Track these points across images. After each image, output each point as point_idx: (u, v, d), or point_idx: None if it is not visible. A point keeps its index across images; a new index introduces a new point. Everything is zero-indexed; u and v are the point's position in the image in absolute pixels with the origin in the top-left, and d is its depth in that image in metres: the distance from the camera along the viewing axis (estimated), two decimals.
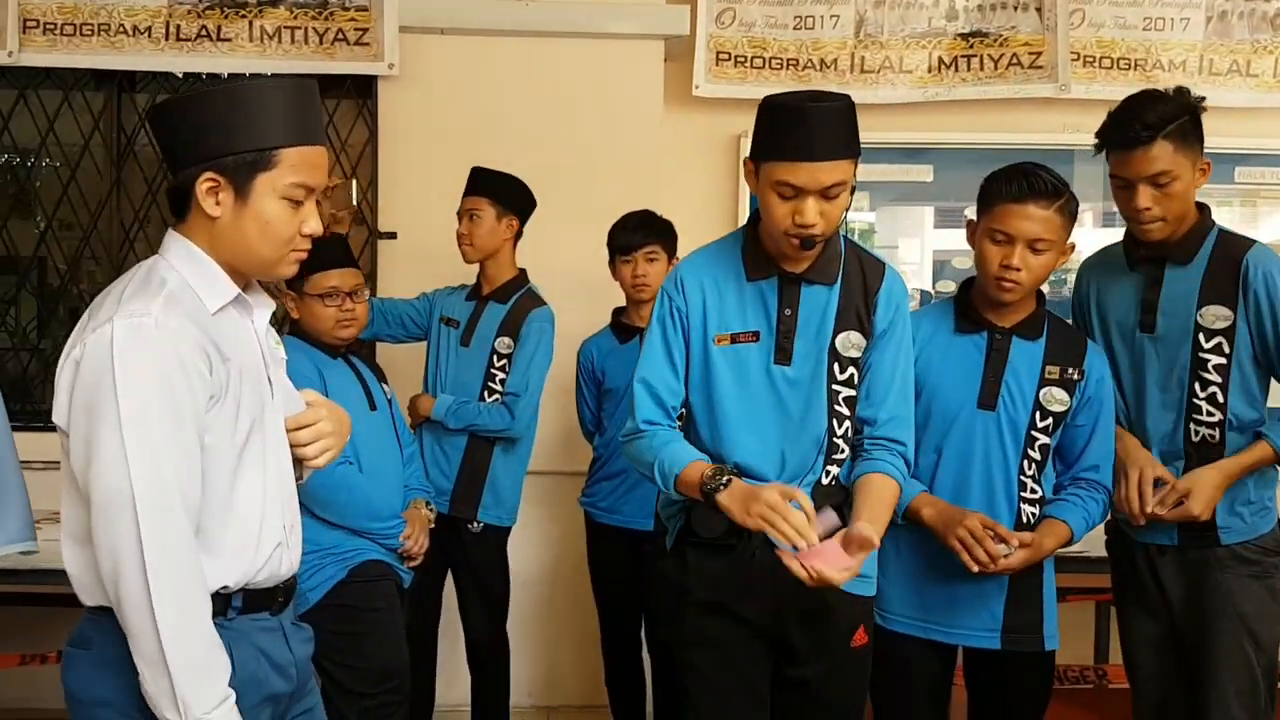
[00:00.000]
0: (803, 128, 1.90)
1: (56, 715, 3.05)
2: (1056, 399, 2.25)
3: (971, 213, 2.31)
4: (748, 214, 4.14)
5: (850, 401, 2.07)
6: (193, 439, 1.51)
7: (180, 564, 1.48)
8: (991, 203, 2.21)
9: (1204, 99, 2.29)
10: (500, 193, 3.19)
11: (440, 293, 3.33)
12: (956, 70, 4.01)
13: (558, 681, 4.04)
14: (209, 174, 1.57)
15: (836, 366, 2.05)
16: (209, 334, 1.56)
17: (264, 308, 1.72)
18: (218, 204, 1.58)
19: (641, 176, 3.88)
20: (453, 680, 3.58)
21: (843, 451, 2.07)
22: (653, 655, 3.35)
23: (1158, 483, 2.30)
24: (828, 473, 2.06)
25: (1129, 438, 2.36)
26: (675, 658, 2.20)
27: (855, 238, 2.34)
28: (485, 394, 3.17)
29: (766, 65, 4.04)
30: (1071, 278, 3.76)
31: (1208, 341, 2.29)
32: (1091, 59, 4.03)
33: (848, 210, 1.99)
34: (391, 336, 3.36)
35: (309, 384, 2.58)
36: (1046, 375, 2.25)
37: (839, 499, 2.04)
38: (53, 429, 1.56)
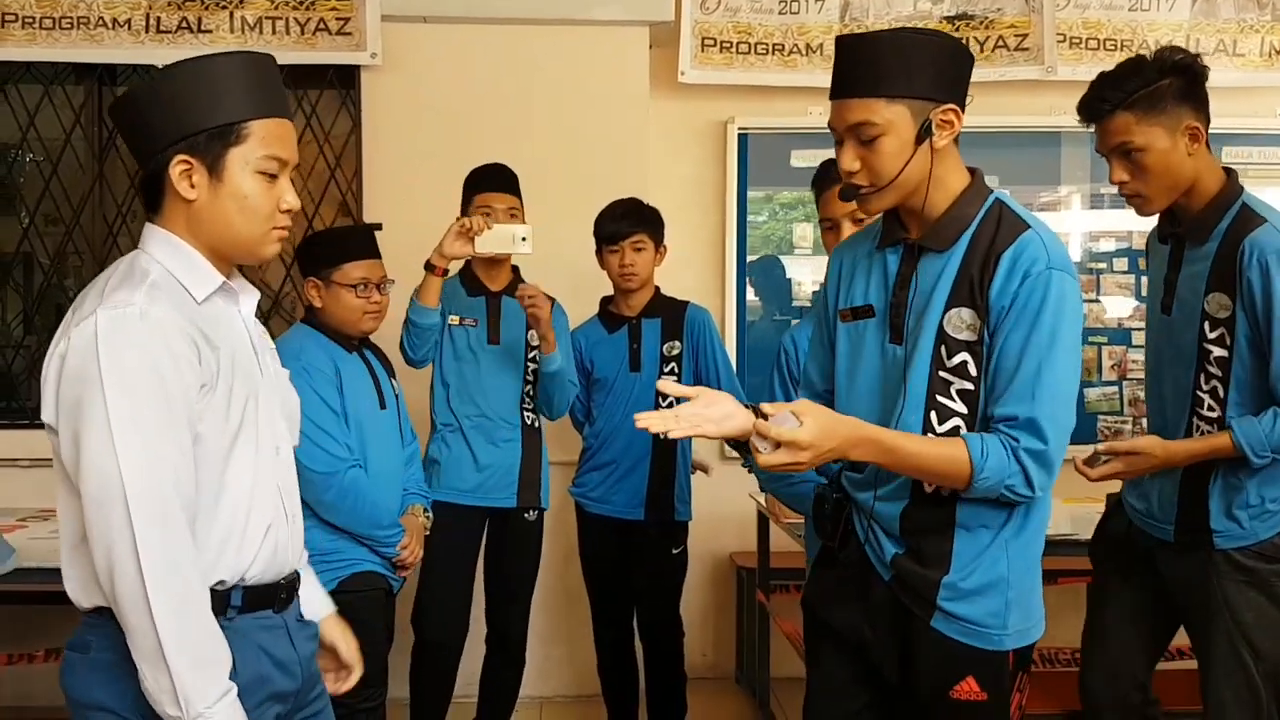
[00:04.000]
0: (836, 64, 1.75)
1: (47, 713, 3.04)
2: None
3: None
4: (735, 201, 4.18)
5: (966, 396, 1.72)
6: (183, 428, 1.49)
7: (175, 558, 1.45)
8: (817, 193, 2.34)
9: (1198, 57, 2.17)
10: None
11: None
12: None
13: (551, 672, 4.04)
14: (180, 156, 1.55)
15: (944, 349, 1.72)
16: (196, 323, 1.54)
17: (250, 296, 1.70)
18: (193, 186, 1.56)
19: (628, 164, 3.87)
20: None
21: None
22: (644, 643, 3.35)
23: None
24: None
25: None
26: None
27: None
28: (527, 383, 3.16)
29: (752, 50, 4.02)
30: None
31: (1212, 331, 2.17)
32: (1078, 40, 4.03)
33: (909, 162, 1.70)
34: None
35: (324, 378, 2.60)
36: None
37: (943, 516, 1.74)
38: (38, 426, 1.54)
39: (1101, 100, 2.17)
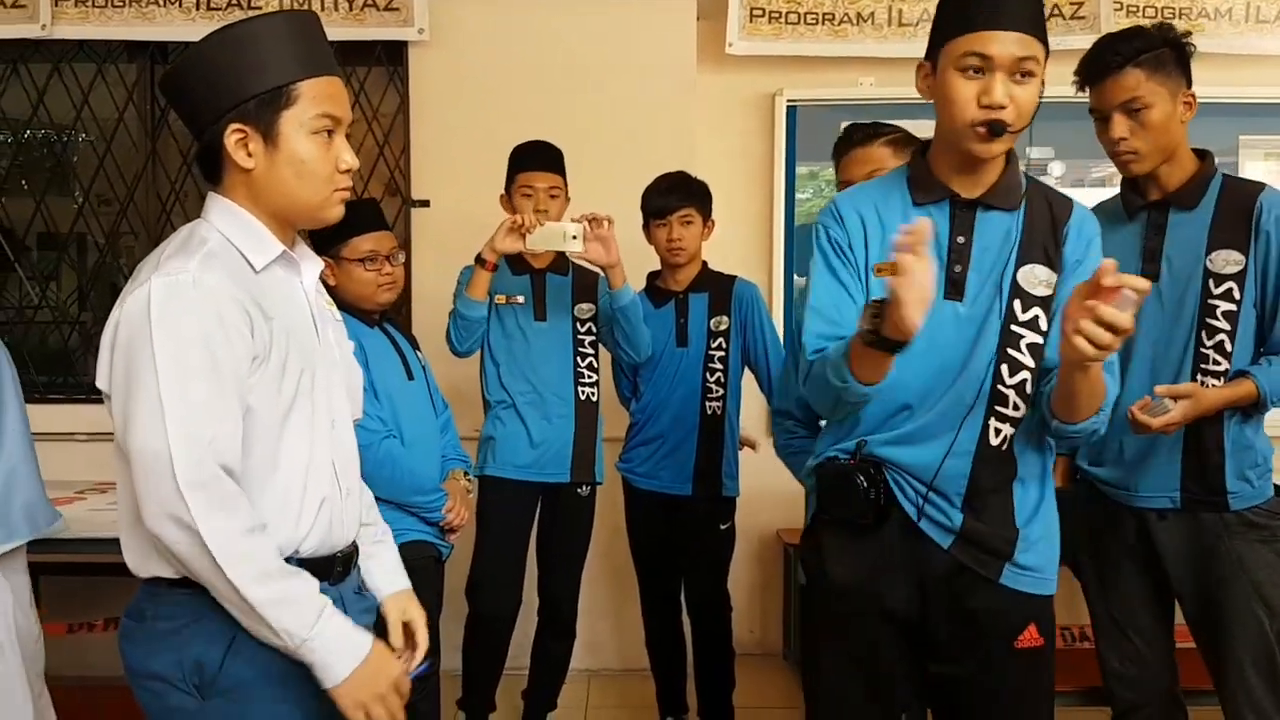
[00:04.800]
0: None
1: (105, 682, 3.10)
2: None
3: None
4: (784, 175, 4.14)
5: (1035, 350, 1.77)
6: (233, 397, 1.48)
7: (233, 523, 1.45)
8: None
9: (1189, 34, 2.26)
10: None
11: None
12: None
13: (599, 645, 4.06)
14: (234, 125, 1.54)
15: (1018, 304, 1.77)
16: (251, 292, 1.53)
17: (312, 265, 1.69)
18: (250, 154, 1.55)
19: (675, 138, 3.85)
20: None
21: (1016, 408, 1.77)
22: (692, 617, 3.35)
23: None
24: (996, 431, 1.78)
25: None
26: (804, 647, 2.04)
27: None
28: (578, 360, 3.16)
29: (801, 20, 3.97)
30: None
31: (1217, 287, 2.23)
32: (1135, 8, 3.93)
33: (1035, 114, 1.76)
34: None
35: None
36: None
37: (1008, 472, 1.80)
38: (95, 401, 1.56)
39: (1115, 53, 2.21)
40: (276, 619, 1.47)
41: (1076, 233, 1.82)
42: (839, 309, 1.82)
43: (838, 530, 1.87)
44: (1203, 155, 2.31)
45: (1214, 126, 3.98)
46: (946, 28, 1.76)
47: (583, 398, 3.17)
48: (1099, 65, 2.24)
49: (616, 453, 3.40)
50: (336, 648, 1.51)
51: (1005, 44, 1.70)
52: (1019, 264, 1.79)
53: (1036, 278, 1.79)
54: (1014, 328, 1.77)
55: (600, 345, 3.23)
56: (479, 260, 2.99)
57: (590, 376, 3.19)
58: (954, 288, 1.79)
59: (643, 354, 3.19)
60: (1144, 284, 1.49)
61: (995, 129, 1.72)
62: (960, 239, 1.81)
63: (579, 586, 3.30)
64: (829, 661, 1.92)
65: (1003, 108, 1.71)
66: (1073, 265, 1.80)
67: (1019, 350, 1.77)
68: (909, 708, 1.96)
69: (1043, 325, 1.78)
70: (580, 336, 3.18)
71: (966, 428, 1.78)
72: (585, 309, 3.19)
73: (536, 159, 3.13)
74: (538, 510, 3.21)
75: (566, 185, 3.16)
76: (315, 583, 1.53)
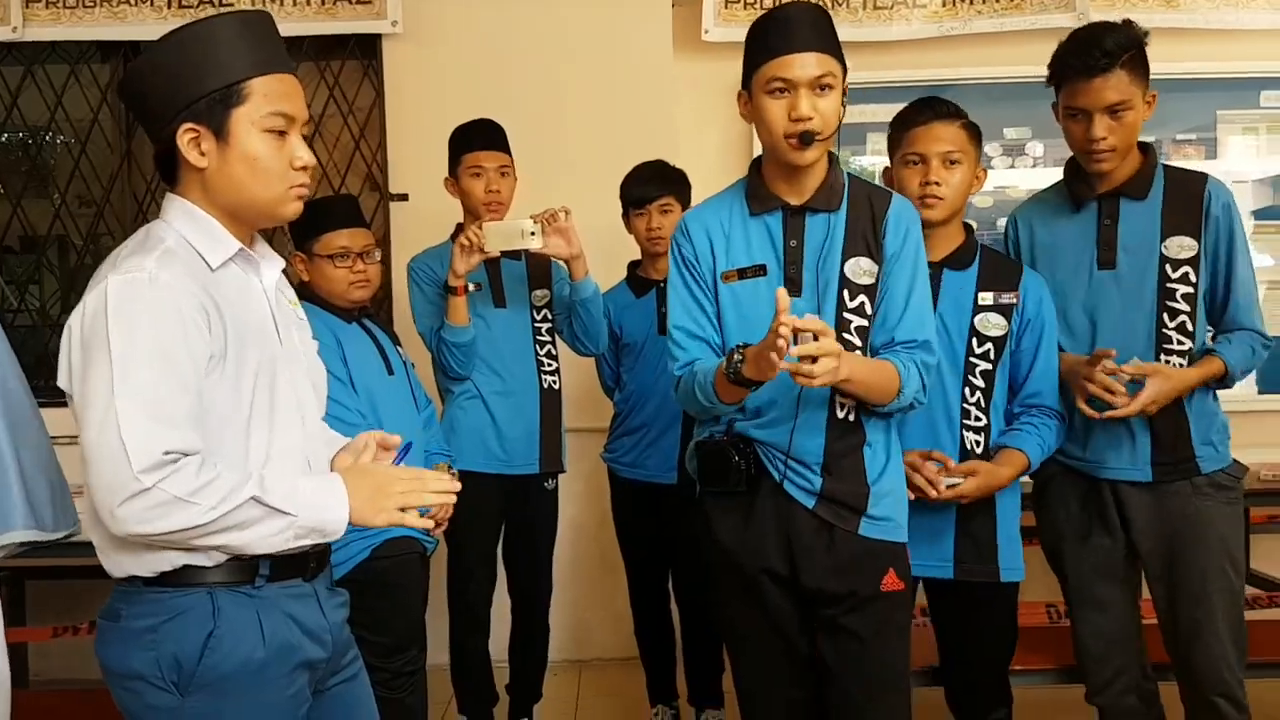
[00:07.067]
0: (783, 23, 2.00)
1: (91, 685, 3.09)
2: (992, 324, 2.31)
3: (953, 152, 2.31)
4: None
5: (862, 331, 2.04)
6: (190, 389, 1.48)
7: (187, 479, 1.44)
8: (900, 133, 2.34)
9: (1148, 33, 2.33)
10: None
11: (434, 260, 3.10)
12: (971, 3, 3.92)
13: (588, 635, 4.07)
14: (187, 125, 1.54)
15: (846, 294, 2.03)
16: (208, 290, 1.53)
17: (272, 264, 1.69)
18: (202, 153, 1.56)
19: (654, 127, 3.84)
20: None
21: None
22: (680, 605, 3.36)
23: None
24: (842, 405, 2.03)
25: (1070, 355, 2.37)
26: (712, 613, 2.21)
27: (875, 182, 2.29)
28: (538, 348, 3.13)
29: (776, 5, 3.96)
30: (1001, 222, 3.72)
31: (1174, 271, 2.33)
32: None
33: (841, 120, 2.03)
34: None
35: (325, 349, 2.57)
36: (980, 302, 2.32)
37: (857, 439, 2.05)
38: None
39: (1102, 54, 2.25)
40: (264, 531, 1.50)
41: (895, 224, 2.06)
42: (695, 320, 2.10)
43: (719, 500, 2.11)
44: (1145, 148, 2.39)
45: (1192, 101, 4.00)
46: (753, 58, 2.02)
47: (546, 386, 3.14)
48: (1085, 64, 2.27)
49: (599, 443, 3.40)
50: (320, 500, 1.54)
51: (803, 66, 1.96)
52: (844, 258, 2.04)
53: (861, 269, 2.04)
54: (845, 314, 2.02)
55: (557, 334, 3.19)
56: (450, 290, 2.94)
57: (551, 365, 3.15)
58: (792, 285, 2.04)
59: (600, 347, 3.17)
60: (817, 324, 1.81)
61: (805, 138, 1.97)
62: (793, 242, 2.06)
63: (551, 576, 3.29)
64: (738, 622, 2.15)
65: (810, 119, 1.96)
66: (893, 253, 2.05)
67: (850, 333, 2.03)
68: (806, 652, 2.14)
69: (868, 310, 2.04)
70: (538, 324, 3.14)
71: (810, 408, 2.02)
72: (541, 295, 3.14)
73: (482, 138, 3.07)
74: (506, 503, 3.15)
75: (514, 163, 3.11)
76: (268, 477, 1.52)
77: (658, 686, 3.44)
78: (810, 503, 2.04)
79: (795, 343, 1.80)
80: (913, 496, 2.18)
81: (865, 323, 2.04)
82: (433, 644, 2.85)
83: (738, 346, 1.92)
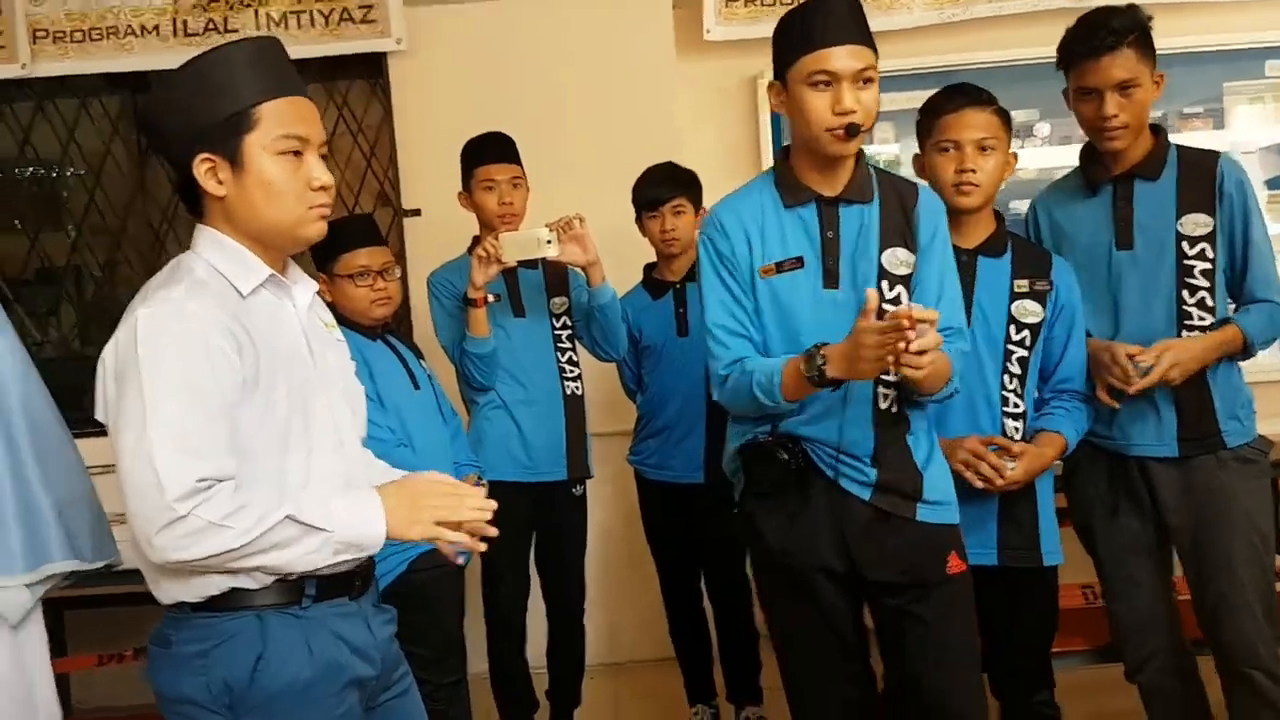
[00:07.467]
0: (825, 15, 1.98)
1: (137, 711, 3.13)
2: (1029, 311, 2.31)
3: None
4: (771, 157, 4.13)
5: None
6: (219, 417, 1.49)
7: (221, 504, 1.46)
8: (932, 120, 2.33)
9: (1152, 16, 2.36)
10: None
11: (453, 274, 3.12)
12: None
13: (623, 638, 4.08)
14: (202, 155, 1.56)
15: (885, 284, 2.03)
16: (239, 318, 1.55)
17: (305, 287, 1.70)
18: (220, 182, 1.57)
19: (659, 129, 3.85)
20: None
21: (898, 375, 1.97)
22: (713, 604, 3.37)
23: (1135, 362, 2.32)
24: (884, 397, 2.04)
25: (1093, 341, 2.38)
26: (765, 614, 2.20)
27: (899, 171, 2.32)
28: (559, 355, 3.14)
29: (777, 2, 3.97)
30: (1014, 205, 3.72)
31: (1191, 249, 2.34)
32: None
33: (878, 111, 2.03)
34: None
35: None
36: (1016, 289, 2.32)
37: (901, 428, 2.05)
38: (103, 433, 1.57)
39: (1109, 32, 2.29)
40: (302, 550, 1.51)
41: (925, 215, 2.07)
42: (734, 317, 2.08)
43: (767, 502, 2.08)
44: (1157, 130, 2.42)
45: (1198, 74, 3.99)
46: (792, 49, 2.01)
47: (569, 393, 3.15)
48: (1094, 43, 2.30)
49: (624, 446, 3.41)
50: (356, 516, 1.55)
51: (846, 59, 1.96)
52: (881, 249, 2.04)
53: (898, 259, 2.04)
54: (883, 305, 1.97)
55: (577, 341, 3.20)
56: (469, 302, 2.96)
57: (573, 371, 3.16)
58: (830, 278, 2.04)
59: (619, 351, 3.19)
60: (933, 314, 1.81)
61: (851, 131, 1.97)
62: (829, 234, 2.05)
63: (584, 581, 3.30)
64: (789, 622, 2.14)
65: (854, 112, 1.95)
66: (926, 243, 2.06)
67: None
68: (861, 650, 2.16)
69: (904, 300, 2.02)
70: (557, 331, 3.16)
71: (855, 401, 2.02)
72: (559, 303, 3.16)
73: (493, 151, 3.10)
74: (536, 512, 3.16)
75: (525, 174, 3.13)
76: (303, 498, 1.54)
77: (696, 686, 3.45)
78: (866, 495, 2.03)
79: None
80: (980, 484, 2.19)
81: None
82: (472, 654, 2.87)
83: (816, 347, 1.91)
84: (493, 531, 1.65)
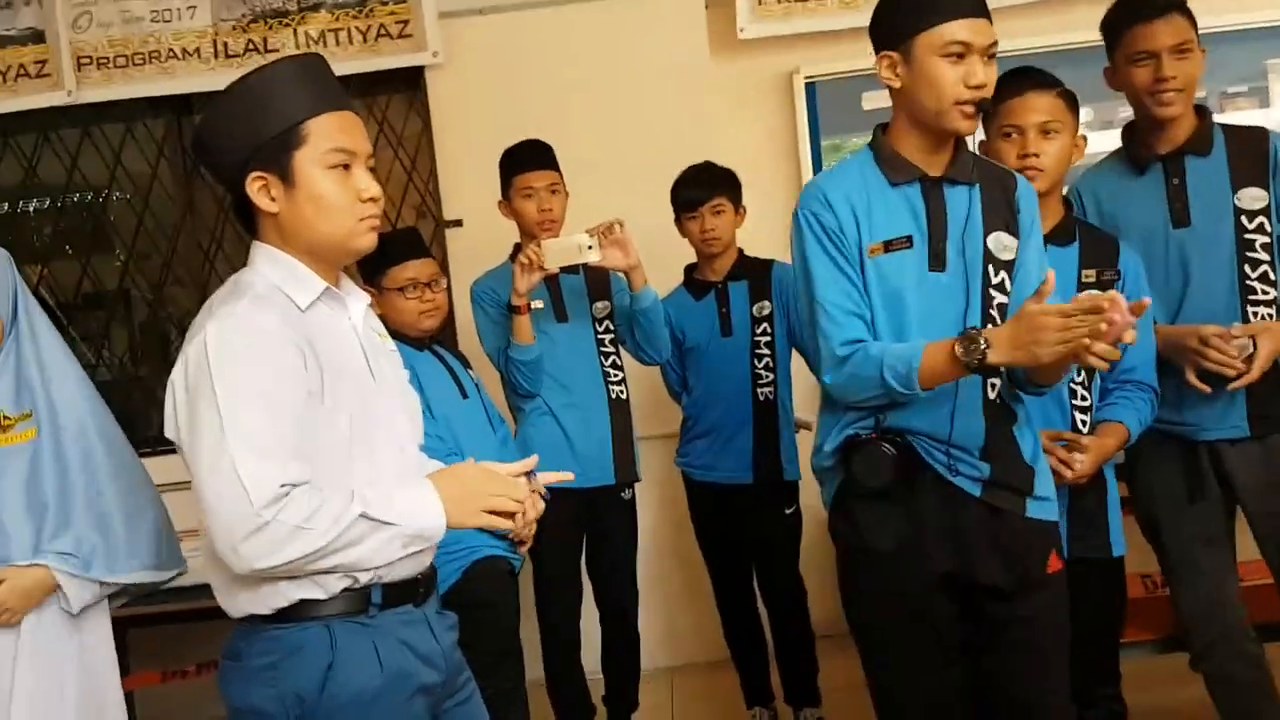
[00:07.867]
0: None
1: None
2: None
3: None
4: (809, 153, 4.12)
5: (1003, 310, 1.94)
6: (292, 426, 1.52)
7: (300, 508, 1.48)
8: (994, 105, 2.25)
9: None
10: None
11: (496, 282, 3.14)
12: None
13: (679, 642, 4.07)
14: (254, 173, 1.59)
15: (991, 269, 1.95)
16: (300, 331, 1.57)
17: (358, 299, 1.73)
18: (272, 199, 1.60)
19: (695, 129, 3.84)
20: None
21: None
22: (768, 606, 3.36)
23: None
24: (992, 386, 1.95)
25: (1164, 328, 2.34)
26: (851, 619, 2.09)
27: None
28: (603, 359, 3.15)
29: None
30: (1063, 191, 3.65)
31: (1250, 222, 2.31)
32: None
33: None
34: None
35: None
36: (1084, 279, 2.28)
37: (1009, 421, 1.98)
38: (162, 452, 1.60)
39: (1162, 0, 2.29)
40: (373, 545, 1.53)
41: (1025, 201, 2.00)
42: (848, 295, 1.95)
43: (869, 502, 1.98)
44: (1200, 110, 2.41)
45: (1241, 52, 3.92)
46: (919, 19, 1.90)
47: (614, 397, 3.15)
48: (1142, 11, 2.31)
49: (671, 449, 3.41)
50: (417, 508, 1.58)
51: (980, 31, 1.88)
52: (986, 232, 1.95)
53: (1003, 244, 1.96)
54: (990, 291, 1.94)
55: (620, 344, 3.20)
56: (513, 309, 2.98)
57: (617, 375, 3.16)
58: (936, 260, 1.95)
59: (663, 355, 3.18)
60: (1145, 302, 1.70)
61: (982, 106, 1.91)
62: (937, 214, 1.96)
63: (636, 585, 3.30)
64: (889, 630, 2.02)
65: (985, 86, 1.89)
66: (1027, 229, 1.99)
67: (994, 310, 1.94)
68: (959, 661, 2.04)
69: (1007, 286, 1.95)
70: (600, 336, 3.16)
71: (967, 387, 1.92)
72: (601, 307, 3.17)
73: (532, 159, 3.11)
74: (585, 517, 3.16)
75: (563, 179, 3.14)
76: (369, 494, 1.56)
77: (753, 688, 3.44)
78: (977, 491, 1.94)
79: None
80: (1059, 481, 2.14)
81: (1006, 299, 1.95)
82: (529, 661, 2.88)
83: (976, 330, 1.81)
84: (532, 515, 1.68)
